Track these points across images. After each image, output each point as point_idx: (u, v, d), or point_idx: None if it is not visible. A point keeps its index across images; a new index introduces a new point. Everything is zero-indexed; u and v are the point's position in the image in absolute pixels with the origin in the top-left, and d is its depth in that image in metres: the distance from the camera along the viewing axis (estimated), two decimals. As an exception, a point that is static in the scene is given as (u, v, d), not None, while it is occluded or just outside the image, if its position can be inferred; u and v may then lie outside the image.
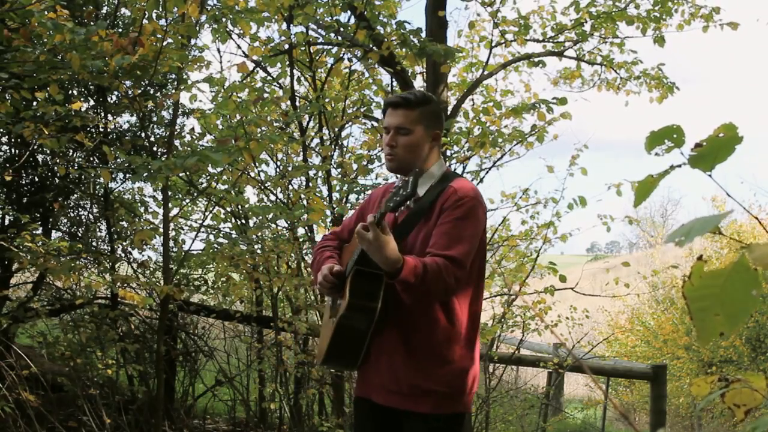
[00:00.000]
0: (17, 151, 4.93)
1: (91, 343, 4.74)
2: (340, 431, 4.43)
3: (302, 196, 4.84)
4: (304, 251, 4.92)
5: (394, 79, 5.38)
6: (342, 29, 5.08)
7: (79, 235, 5.31)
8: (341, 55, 5.31)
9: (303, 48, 5.10)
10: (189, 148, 4.94)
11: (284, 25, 5.12)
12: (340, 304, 2.38)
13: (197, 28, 4.02)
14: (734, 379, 1.07)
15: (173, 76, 4.74)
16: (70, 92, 4.77)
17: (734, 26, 5.99)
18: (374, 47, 4.89)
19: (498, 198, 5.26)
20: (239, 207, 5.24)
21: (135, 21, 4.15)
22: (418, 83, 5.60)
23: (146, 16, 3.67)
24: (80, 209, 5.49)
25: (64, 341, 4.68)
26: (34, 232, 4.51)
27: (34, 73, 3.60)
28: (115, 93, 4.86)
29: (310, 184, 5.03)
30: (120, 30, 4.67)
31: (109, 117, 4.99)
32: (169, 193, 4.55)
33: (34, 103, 4.04)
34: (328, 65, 5.48)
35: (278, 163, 5.35)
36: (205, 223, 5.14)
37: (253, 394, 5.47)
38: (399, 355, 2.33)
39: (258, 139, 3.92)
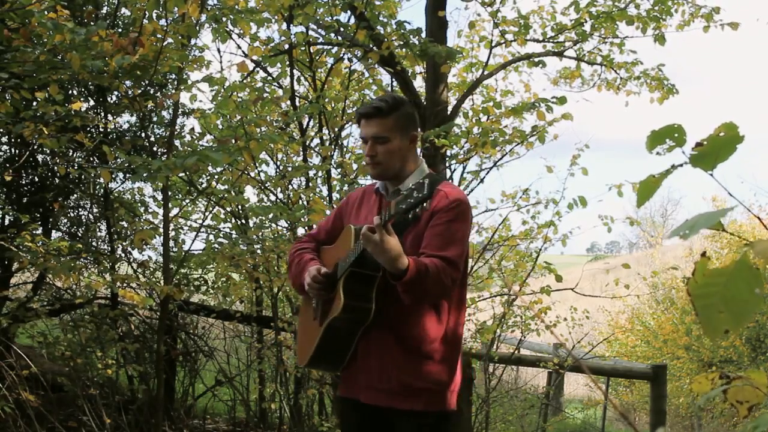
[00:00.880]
0: (17, 151, 4.93)
1: (91, 343, 4.73)
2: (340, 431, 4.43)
3: (302, 196, 4.84)
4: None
5: (394, 79, 5.38)
6: (342, 29, 5.08)
7: (79, 235, 5.31)
8: (341, 55, 5.31)
9: (303, 48, 5.09)
10: (189, 148, 4.93)
11: (284, 25, 5.12)
12: (330, 306, 2.38)
13: (197, 28, 4.01)
14: (735, 377, 1.07)
15: (173, 76, 4.74)
16: (70, 92, 4.77)
17: (734, 26, 5.99)
18: (374, 47, 4.89)
19: (498, 198, 5.26)
20: (239, 207, 5.24)
21: (135, 21, 4.15)
22: (418, 83, 5.60)
23: (146, 16, 3.67)
24: (80, 209, 5.49)
25: (64, 341, 4.68)
26: (34, 232, 4.51)
27: (34, 73, 3.60)
28: (115, 93, 4.86)
29: (310, 184, 5.03)
30: (120, 30, 4.67)
31: (109, 117, 4.99)
32: (169, 193, 4.54)
33: (34, 103, 4.04)
34: (328, 65, 5.48)
35: (278, 163, 5.35)
36: (205, 223, 5.13)
37: (253, 394, 5.47)
38: (389, 355, 2.35)
39: (258, 138, 3.92)
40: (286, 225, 4.90)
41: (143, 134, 5.07)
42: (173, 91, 4.53)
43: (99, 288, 4.62)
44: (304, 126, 5.19)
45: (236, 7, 4.37)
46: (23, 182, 5.03)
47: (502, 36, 5.81)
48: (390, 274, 2.21)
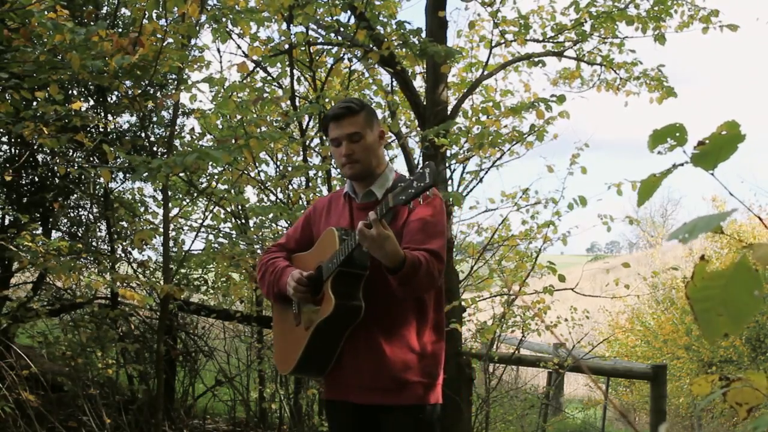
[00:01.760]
0: (17, 151, 4.93)
1: (91, 343, 4.73)
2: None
3: (302, 196, 4.84)
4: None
5: (394, 79, 5.38)
6: (342, 29, 5.08)
7: (79, 235, 5.31)
8: (341, 55, 5.31)
9: (303, 48, 5.09)
10: (189, 148, 4.93)
11: (284, 25, 5.12)
12: (316, 309, 2.38)
13: (197, 28, 4.01)
14: (735, 378, 1.07)
15: (173, 76, 4.74)
16: (70, 92, 4.77)
17: (734, 28, 5.99)
18: (374, 47, 4.89)
19: (498, 198, 5.26)
20: (239, 207, 5.24)
21: (135, 21, 4.15)
22: (418, 83, 5.60)
23: (146, 16, 3.67)
24: (80, 209, 5.49)
25: (64, 341, 4.68)
26: (34, 232, 4.51)
27: (34, 73, 3.60)
28: (115, 93, 4.86)
29: (310, 184, 5.03)
30: (120, 30, 4.67)
31: (109, 117, 4.98)
32: (169, 193, 4.55)
33: (34, 103, 4.04)
34: (328, 65, 5.48)
35: (278, 163, 5.35)
36: (205, 223, 5.14)
37: (253, 394, 5.47)
38: (377, 352, 2.36)
39: (258, 137, 3.92)
40: (286, 225, 4.90)
41: (143, 134, 5.06)
42: (173, 91, 4.53)
43: (99, 288, 4.63)
44: (304, 126, 5.19)
45: (236, 7, 4.37)
46: (23, 182, 5.03)
47: (502, 36, 5.81)
48: (386, 267, 2.22)
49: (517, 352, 5.52)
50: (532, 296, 5.09)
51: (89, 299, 4.73)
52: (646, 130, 0.98)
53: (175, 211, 5.10)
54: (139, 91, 4.39)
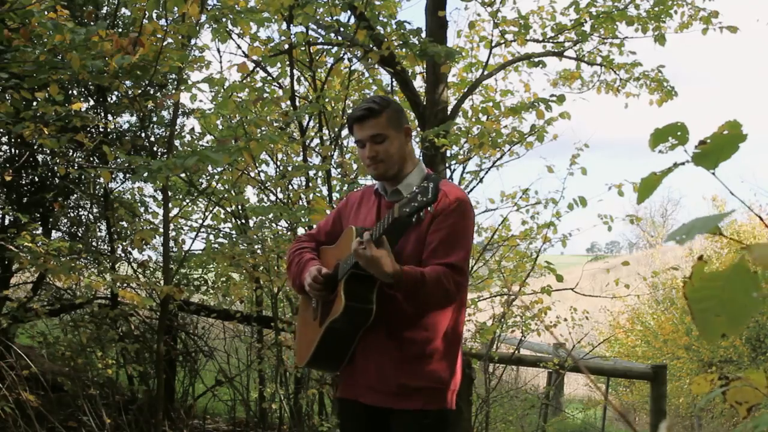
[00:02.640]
0: (17, 151, 4.94)
1: (91, 343, 4.73)
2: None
3: (302, 196, 4.84)
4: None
5: (394, 79, 5.38)
6: (342, 29, 5.08)
7: (79, 235, 5.31)
8: (341, 55, 5.31)
9: (303, 48, 5.09)
10: (189, 148, 4.93)
11: (284, 25, 5.12)
12: (330, 307, 2.38)
13: (197, 28, 4.01)
14: (735, 377, 1.07)
15: (173, 76, 4.74)
16: (70, 92, 4.77)
17: (733, 30, 5.99)
18: (374, 47, 4.89)
19: (498, 198, 5.26)
20: (239, 207, 5.24)
21: (135, 21, 4.15)
22: (418, 83, 5.60)
23: (146, 16, 3.67)
24: (80, 209, 5.49)
25: (64, 341, 4.68)
26: (34, 232, 4.51)
27: (34, 73, 3.59)
28: (115, 93, 4.86)
29: (310, 184, 5.03)
30: (120, 30, 4.67)
31: (109, 117, 4.99)
32: (169, 193, 4.54)
33: (34, 103, 4.04)
34: (328, 65, 5.47)
35: (278, 163, 5.35)
36: (205, 223, 5.13)
37: (253, 394, 5.47)
38: (387, 355, 2.35)
39: (258, 138, 3.92)
40: (286, 225, 4.90)
41: (143, 134, 5.07)
42: (173, 91, 4.53)
43: (99, 288, 4.62)
44: (304, 126, 5.19)
45: (236, 7, 4.37)
46: (23, 182, 5.03)
47: (502, 36, 5.81)
48: (385, 284, 2.23)
49: (517, 352, 5.53)
50: (532, 296, 5.10)
51: (89, 299, 4.73)
52: (646, 130, 0.99)
53: (175, 211, 5.10)
54: (139, 91, 4.40)
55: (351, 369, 2.44)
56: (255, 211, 4.66)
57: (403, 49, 4.99)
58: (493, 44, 5.78)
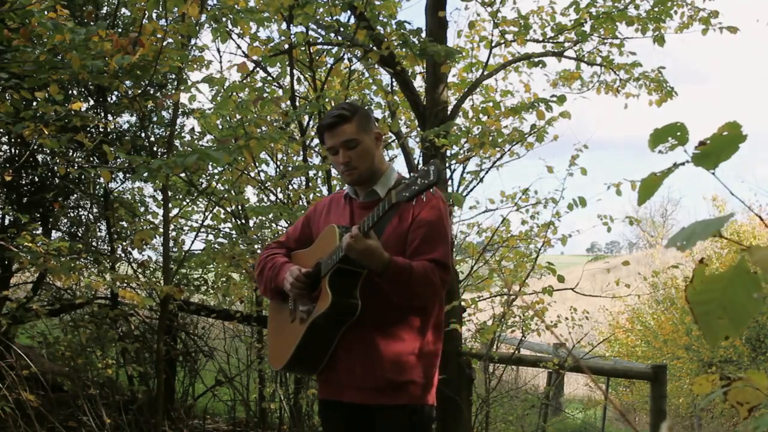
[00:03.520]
0: (17, 151, 4.93)
1: (91, 343, 4.73)
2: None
3: (302, 196, 4.84)
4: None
5: (394, 79, 5.38)
6: (342, 29, 5.08)
7: (79, 235, 5.31)
8: (341, 55, 5.31)
9: (303, 48, 5.09)
10: (189, 148, 4.93)
11: (284, 25, 5.12)
12: (312, 305, 2.39)
13: (197, 28, 4.01)
14: (736, 378, 1.07)
15: (173, 76, 4.74)
16: (70, 92, 4.77)
17: (733, 30, 5.98)
18: (374, 47, 4.89)
19: (498, 198, 5.26)
20: (239, 207, 5.24)
21: (135, 21, 4.15)
22: (418, 83, 5.60)
23: (146, 16, 3.67)
24: (80, 209, 5.49)
25: (64, 341, 4.67)
26: (34, 232, 4.50)
27: (34, 73, 3.60)
28: (115, 93, 4.86)
29: (310, 184, 5.03)
30: (120, 30, 4.67)
31: (109, 117, 4.98)
32: (169, 193, 4.54)
33: (34, 103, 4.04)
34: (328, 65, 5.47)
35: (278, 163, 5.35)
36: (205, 223, 5.13)
37: (253, 394, 5.47)
38: (372, 351, 2.36)
39: (258, 137, 3.92)
40: (286, 225, 4.90)
41: (143, 134, 5.06)
42: (173, 91, 4.53)
43: (99, 288, 4.62)
44: (304, 126, 5.19)
45: (236, 7, 4.37)
46: (23, 182, 5.03)
47: (502, 36, 5.80)
48: (375, 271, 2.26)
49: (517, 352, 5.52)
50: (532, 296, 5.10)
51: (89, 299, 4.73)
52: (646, 130, 0.98)
53: (175, 211, 5.10)
54: (139, 91, 4.39)
55: (332, 369, 2.44)
56: (255, 211, 4.66)
57: (403, 49, 4.99)
58: (493, 44, 5.78)
